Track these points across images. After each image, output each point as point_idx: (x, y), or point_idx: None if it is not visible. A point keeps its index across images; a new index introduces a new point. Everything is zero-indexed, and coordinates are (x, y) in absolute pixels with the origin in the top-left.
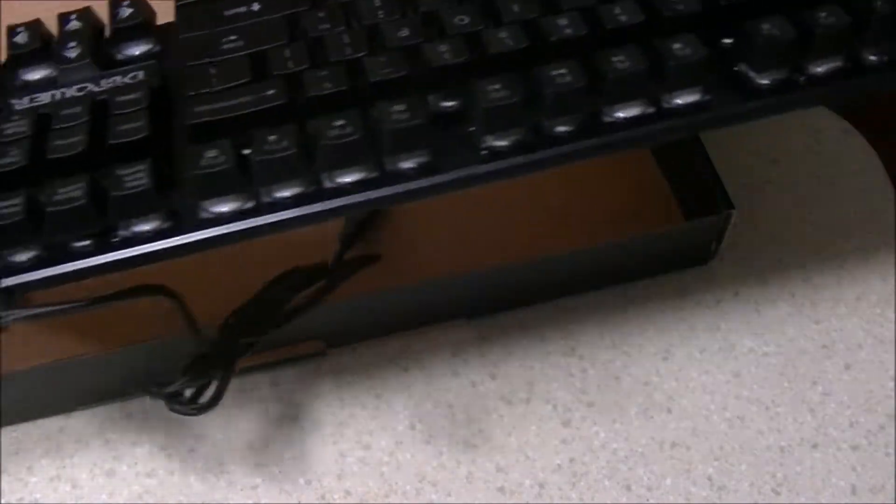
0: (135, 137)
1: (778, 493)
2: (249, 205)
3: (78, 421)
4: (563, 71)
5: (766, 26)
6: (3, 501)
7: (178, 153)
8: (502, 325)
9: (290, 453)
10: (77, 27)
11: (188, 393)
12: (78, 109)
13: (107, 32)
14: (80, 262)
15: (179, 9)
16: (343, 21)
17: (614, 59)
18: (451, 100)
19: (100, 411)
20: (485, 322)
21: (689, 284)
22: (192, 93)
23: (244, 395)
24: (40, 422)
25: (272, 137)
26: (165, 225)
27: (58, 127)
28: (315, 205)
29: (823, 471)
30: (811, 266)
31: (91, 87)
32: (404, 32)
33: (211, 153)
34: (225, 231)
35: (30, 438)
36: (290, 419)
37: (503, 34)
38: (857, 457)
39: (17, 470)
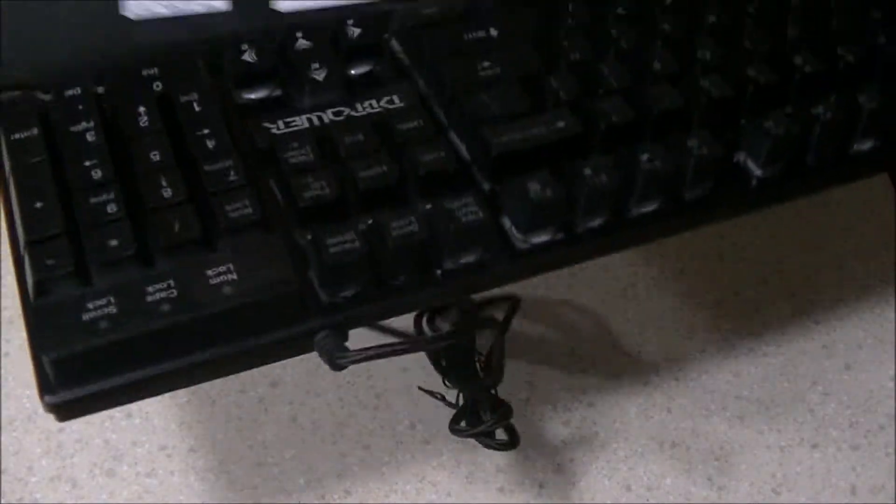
0: (445, 168)
1: (778, 493)
2: (561, 235)
3: (78, 421)
4: None
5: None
6: (3, 501)
7: (480, 185)
8: None
9: (290, 453)
10: (308, 46)
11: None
12: (361, 137)
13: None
14: (404, 296)
15: (412, 32)
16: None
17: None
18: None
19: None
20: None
21: (688, 284)
22: (478, 121)
23: (244, 396)
24: (40, 422)
25: (588, 171)
26: (488, 255)
27: (350, 154)
28: (621, 234)
29: (823, 471)
30: (811, 266)
31: (348, 111)
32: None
33: (535, 186)
34: (542, 261)
35: (30, 438)
36: (289, 419)
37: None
38: (857, 457)
39: (17, 470)
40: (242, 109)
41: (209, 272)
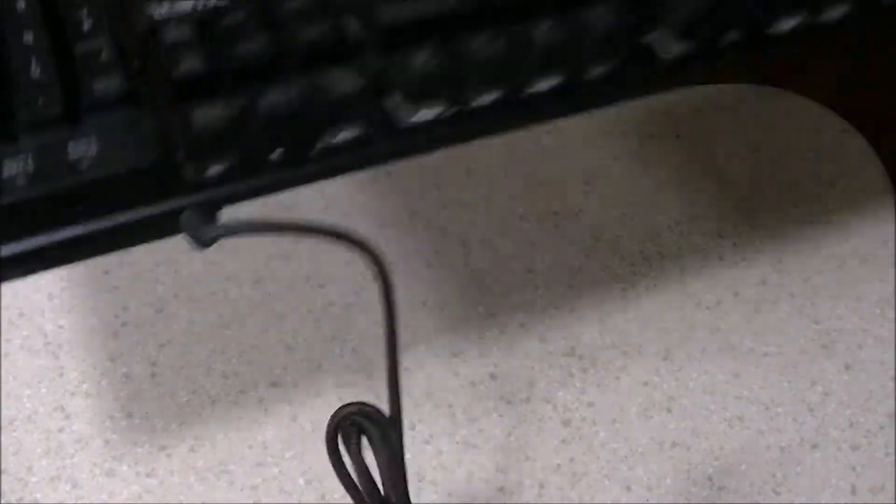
0: (325, 41)
1: (778, 493)
2: (453, 111)
3: (78, 421)
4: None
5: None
6: (3, 501)
7: (370, 56)
8: (502, 324)
9: (290, 453)
10: None
11: None
12: (242, 15)
13: None
14: (279, 172)
15: None
16: None
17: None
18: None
19: (100, 411)
20: (485, 322)
21: (689, 285)
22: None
23: (244, 396)
24: (40, 422)
25: (479, 41)
26: (370, 131)
27: (226, 32)
28: (516, 111)
29: (823, 471)
30: (811, 266)
31: None
32: None
33: (422, 56)
34: (427, 138)
35: (30, 438)
36: (290, 419)
37: None
38: (857, 457)
39: (17, 470)
40: None
41: (69, 148)
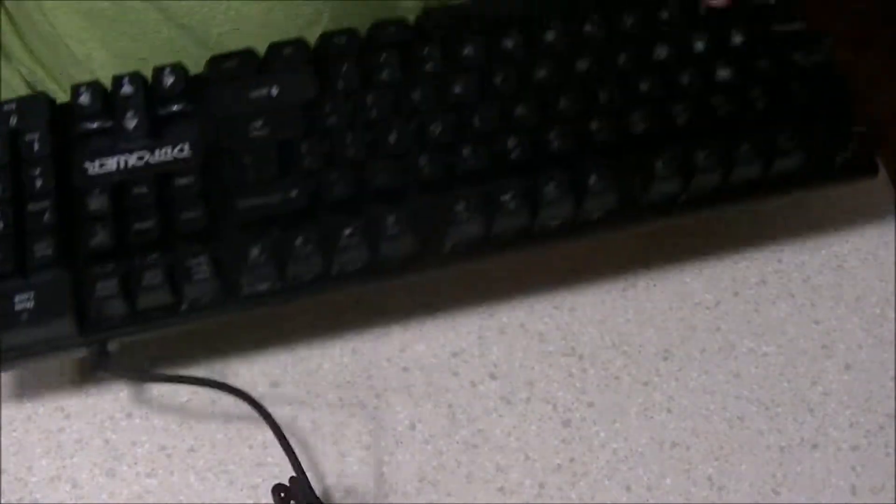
0: (197, 228)
1: (778, 493)
2: (279, 285)
3: (78, 421)
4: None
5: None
6: (3, 501)
7: (225, 240)
8: (502, 325)
9: None
10: (130, 93)
11: None
12: (145, 190)
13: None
14: (157, 325)
15: (211, 65)
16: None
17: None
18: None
19: (101, 410)
20: (485, 322)
21: (688, 285)
22: (230, 183)
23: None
24: (40, 422)
25: (299, 241)
26: (219, 298)
27: (133, 206)
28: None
29: (823, 471)
30: (811, 266)
31: (148, 157)
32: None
33: (255, 250)
34: (256, 304)
35: (30, 438)
36: (290, 419)
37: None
38: (857, 457)
39: (17, 470)
40: (80, 138)
41: (16, 298)
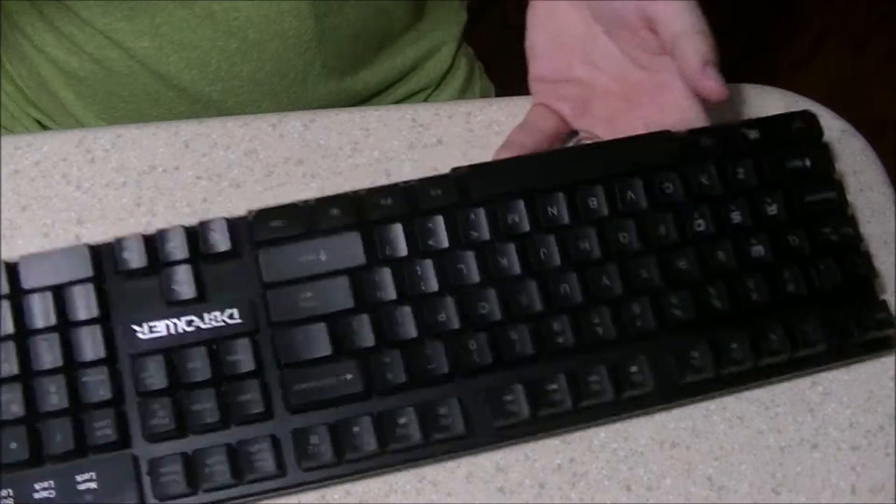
0: (254, 411)
1: (778, 493)
2: (335, 464)
3: None
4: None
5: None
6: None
7: (281, 421)
8: None
9: None
10: (175, 248)
11: None
12: (199, 365)
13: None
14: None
15: (258, 221)
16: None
17: None
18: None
19: None
20: None
21: None
22: (285, 361)
23: None
24: None
25: (356, 429)
26: (278, 476)
27: (189, 382)
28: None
29: (823, 471)
30: None
31: (197, 321)
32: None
33: (314, 437)
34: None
35: None
36: None
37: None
38: (857, 457)
39: None
40: (125, 294)
41: (78, 478)
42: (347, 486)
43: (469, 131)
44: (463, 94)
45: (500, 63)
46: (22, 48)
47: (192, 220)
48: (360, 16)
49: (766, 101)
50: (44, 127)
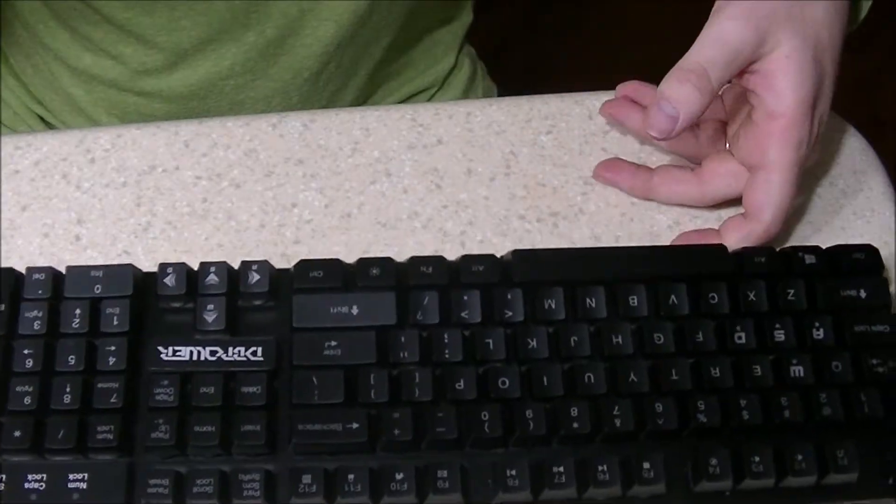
0: (255, 442)
1: None
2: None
3: None
4: None
5: None
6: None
7: (280, 457)
8: None
9: None
10: (215, 283)
11: None
12: (212, 391)
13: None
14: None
15: (298, 270)
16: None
17: None
18: None
19: None
20: None
21: None
22: (297, 402)
23: None
24: None
25: (351, 477)
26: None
27: (198, 405)
28: None
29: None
30: None
31: (220, 353)
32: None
33: (307, 478)
34: None
35: None
36: None
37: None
38: None
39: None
40: (158, 315)
41: (70, 476)
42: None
43: (469, 131)
44: (466, 94)
45: (501, 63)
46: (30, 46)
47: (191, 220)
48: (387, 25)
49: None
50: (47, 124)
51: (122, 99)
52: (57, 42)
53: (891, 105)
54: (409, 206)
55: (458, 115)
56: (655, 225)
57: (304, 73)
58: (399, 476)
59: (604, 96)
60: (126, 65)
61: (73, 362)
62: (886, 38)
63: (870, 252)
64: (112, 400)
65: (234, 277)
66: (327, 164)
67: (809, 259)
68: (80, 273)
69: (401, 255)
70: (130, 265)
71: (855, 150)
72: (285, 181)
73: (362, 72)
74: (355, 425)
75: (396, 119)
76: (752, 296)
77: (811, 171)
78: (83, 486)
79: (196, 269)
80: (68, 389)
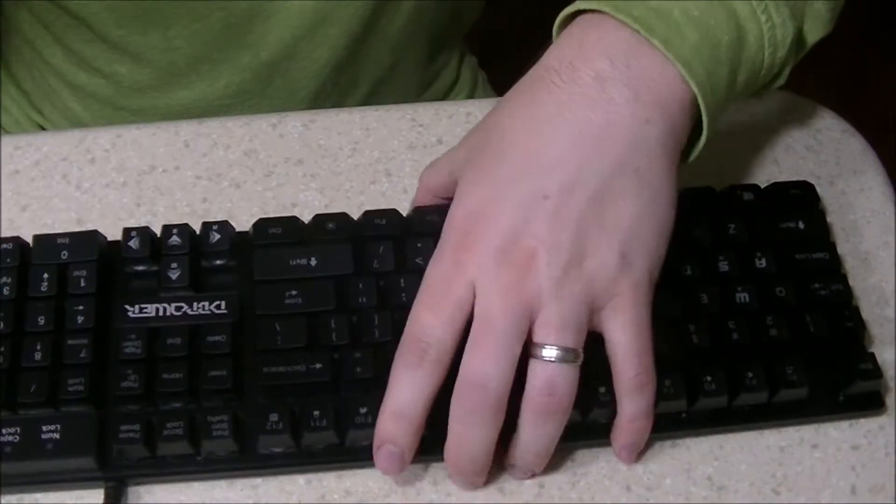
0: (222, 387)
1: (778, 493)
2: (291, 450)
3: None
4: None
5: None
6: (3, 502)
7: (247, 400)
8: None
9: None
10: (178, 243)
11: None
12: (178, 341)
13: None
14: (174, 472)
15: (257, 228)
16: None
17: None
18: None
19: None
20: None
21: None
22: (261, 347)
23: None
24: None
25: (316, 413)
26: (235, 455)
27: (165, 355)
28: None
29: (823, 471)
30: None
31: (186, 308)
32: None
33: (274, 416)
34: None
35: None
36: None
37: None
38: (857, 457)
39: None
40: (124, 278)
41: (43, 427)
42: (347, 486)
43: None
44: None
45: (502, 70)
46: (30, 59)
47: (192, 220)
48: (384, 46)
49: (767, 102)
50: None
51: (119, 116)
52: (54, 58)
53: (891, 105)
54: (408, 206)
55: (458, 115)
56: None
57: (300, 93)
58: (363, 410)
59: None
60: (120, 83)
61: (42, 322)
62: (886, 38)
63: (805, 187)
64: (81, 355)
65: (196, 239)
66: (327, 164)
67: (748, 196)
68: (47, 240)
69: None
70: (96, 231)
71: (855, 150)
72: (285, 181)
73: (360, 91)
74: (318, 365)
75: (396, 119)
76: (697, 232)
77: (811, 171)
78: (56, 436)
79: (160, 233)
80: (39, 347)
